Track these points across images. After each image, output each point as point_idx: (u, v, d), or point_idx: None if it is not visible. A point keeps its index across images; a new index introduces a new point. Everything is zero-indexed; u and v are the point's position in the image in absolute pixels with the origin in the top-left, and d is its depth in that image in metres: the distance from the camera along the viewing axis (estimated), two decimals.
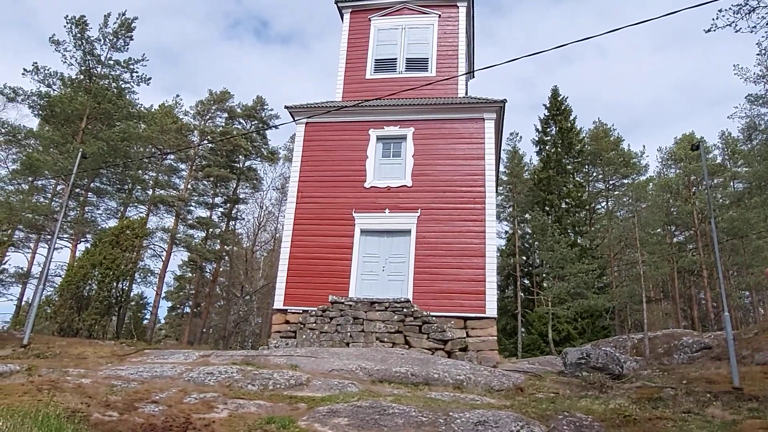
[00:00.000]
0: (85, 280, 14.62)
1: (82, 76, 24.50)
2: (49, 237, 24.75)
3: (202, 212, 37.59)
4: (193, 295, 39.52)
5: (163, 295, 44.70)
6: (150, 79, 26.81)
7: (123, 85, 25.88)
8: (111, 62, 25.78)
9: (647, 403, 9.22)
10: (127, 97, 26.61)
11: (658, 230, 32.22)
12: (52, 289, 19.12)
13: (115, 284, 15.08)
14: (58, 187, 26.66)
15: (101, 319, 14.69)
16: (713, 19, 11.39)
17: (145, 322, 35.16)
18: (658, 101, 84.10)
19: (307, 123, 17.74)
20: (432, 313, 14.20)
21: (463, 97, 17.42)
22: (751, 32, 10.60)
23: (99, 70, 25.25)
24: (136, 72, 25.97)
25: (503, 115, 17.17)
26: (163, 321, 57.34)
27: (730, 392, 9.69)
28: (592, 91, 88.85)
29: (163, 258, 33.48)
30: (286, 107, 17.64)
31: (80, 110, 22.35)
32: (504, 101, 16.52)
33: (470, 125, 16.85)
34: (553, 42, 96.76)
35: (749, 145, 26.88)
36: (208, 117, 37.17)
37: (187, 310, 41.79)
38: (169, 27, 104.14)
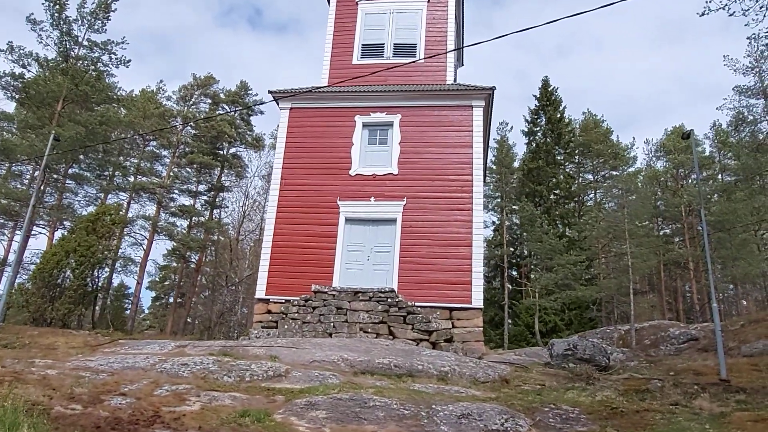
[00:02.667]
0: (58, 267, 14.11)
1: (59, 58, 23.66)
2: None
3: (186, 200, 36.94)
4: (177, 285, 38.93)
5: (147, 285, 44.11)
6: (130, 61, 25.99)
7: (102, 68, 25.04)
8: (89, 44, 24.94)
9: (635, 395, 9.02)
10: (107, 80, 25.81)
11: (645, 222, 32.20)
12: (27, 277, 18.56)
13: (90, 272, 14.57)
14: (36, 173, 25.89)
15: (75, 309, 14.22)
16: (706, 2, 11.14)
17: (128, 312, 34.62)
18: (652, 95, 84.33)
19: (291, 108, 17.29)
20: (417, 304, 13.91)
21: (452, 84, 17.06)
22: (744, 15, 10.36)
23: (77, 51, 24.44)
24: (115, 54, 25.17)
25: (492, 102, 16.84)
26: (147, 311, 56.76)
27: (717, 384, 9.53)
28: (587, 85, 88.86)
29: (145, 247, 32.84)
30: (269, 92, 17.17)
31: (56, 92, 21.58)
32: (493, 88, 16.19)
33: (458, 112, 16.51)
34: (550, 33, 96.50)
35: (736, 137, 26.87)
36: (191, 102, 36.38)
37: (172, 300, 41.20)
38: (162, 12, 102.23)
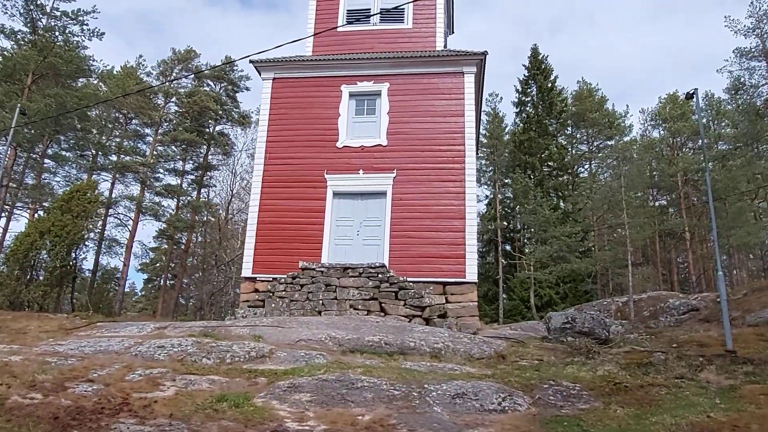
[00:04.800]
0: (32, 248, 13.43)
1: (26, 28, 22.50)
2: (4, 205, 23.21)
3: (172, 180, 35.99)
4: (166, 267, 38.28)
5: (138, 267, 43.49)
6: (104, 34, 24.83)
7: (73, 39, 23.80)
8: (57, 13, 23.62)
9: (637, 369, 8.58)
10: (81, 53, 24.58)
11: (639, 194, 31.78)
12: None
13: (66, 253, 13.90)
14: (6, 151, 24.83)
15: (52, 291, 13.60)
16: None
17: (116, 294, 34.02)
18: (645, 69, 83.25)
19: (274, 79, 16.52)
20: (409, 279, 13.41)
21: (442, 50, 16.30)
22: None
23: (45, 21, 23.21)
24: (86, 25, 23.85)
25: (484, 69, 16.13)
26: (140, 294, 56.25)
27: (723, 355, 9.11)
28: (580, 60, 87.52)
29: (130, 228, 32.03)
30: (251, 61, 16.33)
31: (25, 65, 20.53)
32: (485, 53, 15.46)
33: (449, 80, 15.81)
34: (544, 9, 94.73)
35: (734, 104, 26.30)
36: (172, 77, 35.13)
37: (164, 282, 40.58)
38: None
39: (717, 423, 5.78)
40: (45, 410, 5.72)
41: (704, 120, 33.55)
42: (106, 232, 31.83)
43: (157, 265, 43.46)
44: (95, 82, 26.04)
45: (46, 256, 13.77)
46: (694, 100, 10.17)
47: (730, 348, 9.31)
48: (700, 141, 11.65)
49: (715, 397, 6.89)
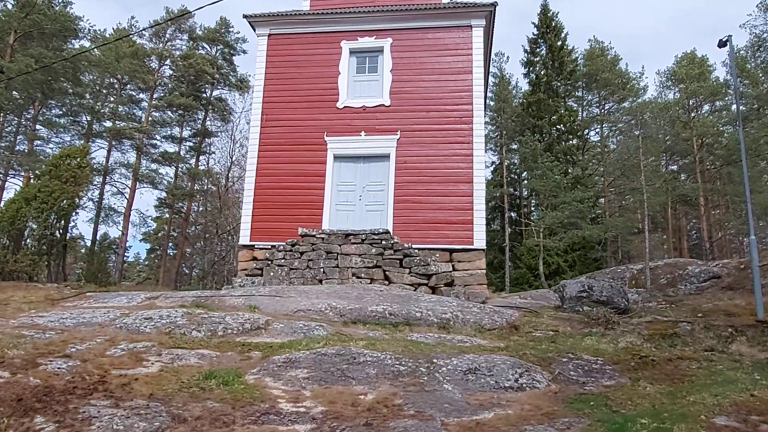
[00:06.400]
0: (18, 216, 12.78)
1: None
2: None
3: (170, 147, 35.03)
4: (167, 236, 37.77)
5: (141, 237, 43.07)
6: None
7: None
8: None
9: (662, 341, 7.95)
10: (68, 11, 23.37)
11: (651, 159, 30.78)
12: None
13: (55, 221, 13.26)
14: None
15: (40, 260, 13.02)
16: None
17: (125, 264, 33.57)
18: (659, 32, 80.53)
19: (270, 35, 15.54)
20: (414, 246, 12.73)
21: (448, 2, 15.23)
22: None
23: None
24: None
25: (493, 22, 15.10)
26: (144, 263, 56.09)
27: (754, 326, 8.46)
28: (591, 21, 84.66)
29: (127, 196, 31.33)
30: (244, 16, 15.37)
31: (6, 22, 19.46)
32: (494, 4, 14.42)
33: (456, 34, 14.81)
34: None
35: (755, 63, 25.06)
36: (166, 39, 33.84)
37: (168, 252, 40.19)
38: None
39: (764, 402, 5.13)
40: (9, 391, 5.10)
41: (724, 79, 32.08)
42: (104, 201, 31.18)
43: (159, 234, 43.00)
44: (87, 44, 24.90)
45: (34, 224, 13.16)
46: (728, 47, 9.25)
47: (761, 318, 8.65)
48: (735, 84, 10.79)
49: (754, 372, 6.25)
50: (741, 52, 27.67)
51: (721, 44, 9.43)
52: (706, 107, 33.99)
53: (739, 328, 8.33)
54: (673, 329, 8.49)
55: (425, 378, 6.00)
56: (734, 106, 28.92)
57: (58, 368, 5.86)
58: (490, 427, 4.69)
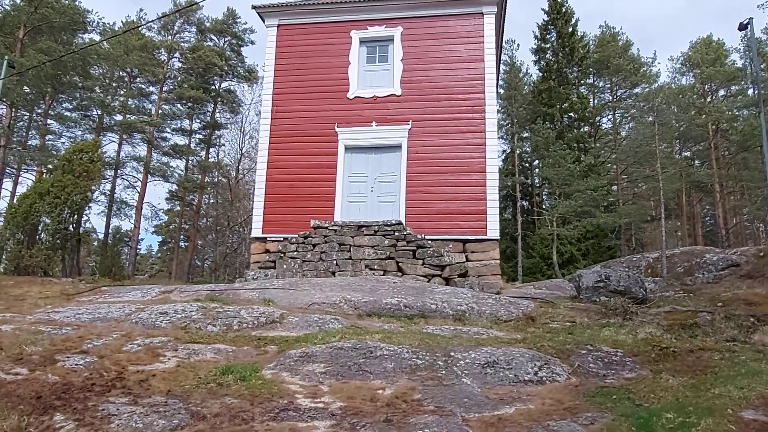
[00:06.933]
0: (31, 211, 12.87)
1: None
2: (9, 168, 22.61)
3: (180, 140, 35.12)
4: (179, 229, 37.96)
5: (152, 230, 43.32)
6: None
7: None
8: None
9: (682, 331, 7.80)
10: (76, 4, 23.31)
11: (664, 146, 30.31)
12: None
13: (68, 215, 13.33)
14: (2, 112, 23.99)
15: (55, 255, 13.11)
16: None
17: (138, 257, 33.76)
18: (671, 14, 79.01)
19: (279, 25, 15.42)
20: (427, 237, 12.65)
21: None
22: None
23: None
24: None
25: (505, 8, 14.88)
26: (156, 256, 56.55)
27: None
28: (601, 7, 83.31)
29: (139, 189, 31.47)
30: (253, 7, 15.23)
31: (16, 18, 19.49)
32: None
33: (467, 22, 14.61)
34: None
35: None
36: (174, 31, 33.80)
37: (180, 244, 40.44)
38: None
39: None
40: (28, 388, 5.11)
41: (741, 63, 31.42)
42: (115, 195, 31.35)
43: (171, 226, 43.25)
44: (96, 38, 24.87)
45: (47, 219, 13.23)
46: (749, 29, 9.01)
47: None
48: (754, 73, 10.61)
49: None
50: (761, 35, 27.13)
51: (742, 27, 9.19)
52: (722, 92, 33.39)
53: (760, 318, 8.18)
54: (692, 319, 8.35)
55: (443, 372, 5.94)
56: (751, 91, 28.44)
57: (76, 365, 5.87)
58: (512, 422, 4.61)
